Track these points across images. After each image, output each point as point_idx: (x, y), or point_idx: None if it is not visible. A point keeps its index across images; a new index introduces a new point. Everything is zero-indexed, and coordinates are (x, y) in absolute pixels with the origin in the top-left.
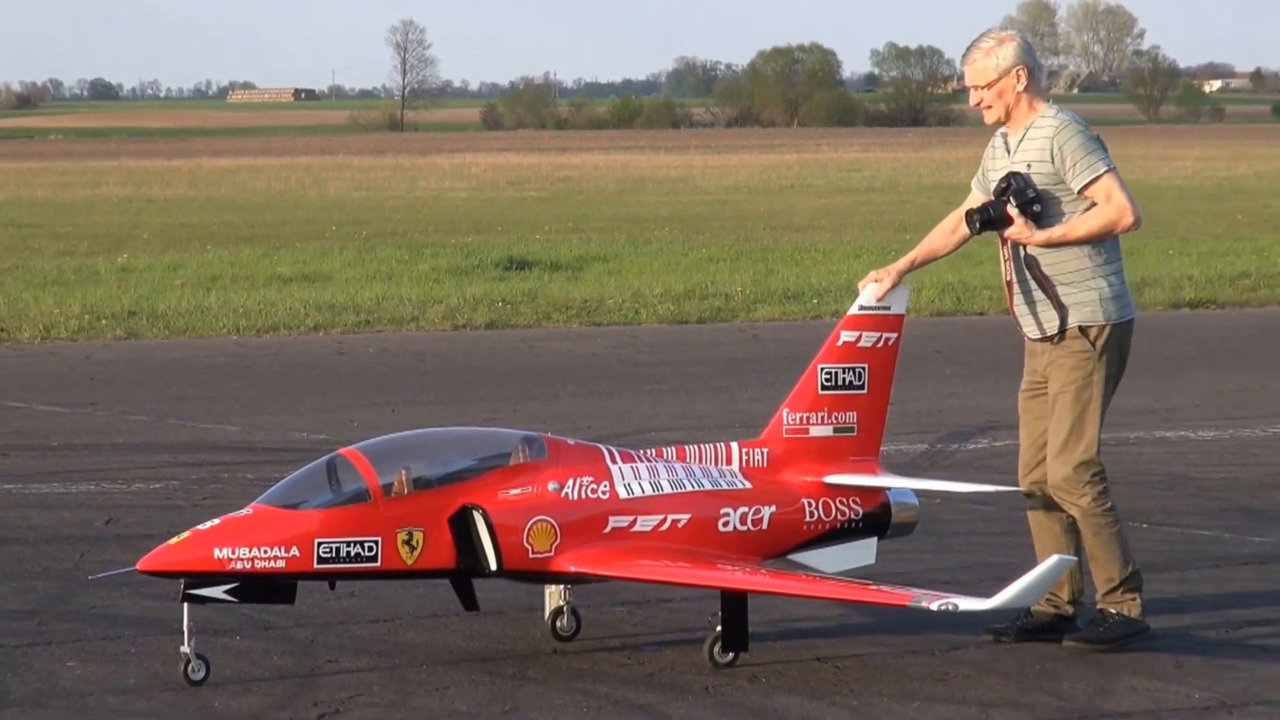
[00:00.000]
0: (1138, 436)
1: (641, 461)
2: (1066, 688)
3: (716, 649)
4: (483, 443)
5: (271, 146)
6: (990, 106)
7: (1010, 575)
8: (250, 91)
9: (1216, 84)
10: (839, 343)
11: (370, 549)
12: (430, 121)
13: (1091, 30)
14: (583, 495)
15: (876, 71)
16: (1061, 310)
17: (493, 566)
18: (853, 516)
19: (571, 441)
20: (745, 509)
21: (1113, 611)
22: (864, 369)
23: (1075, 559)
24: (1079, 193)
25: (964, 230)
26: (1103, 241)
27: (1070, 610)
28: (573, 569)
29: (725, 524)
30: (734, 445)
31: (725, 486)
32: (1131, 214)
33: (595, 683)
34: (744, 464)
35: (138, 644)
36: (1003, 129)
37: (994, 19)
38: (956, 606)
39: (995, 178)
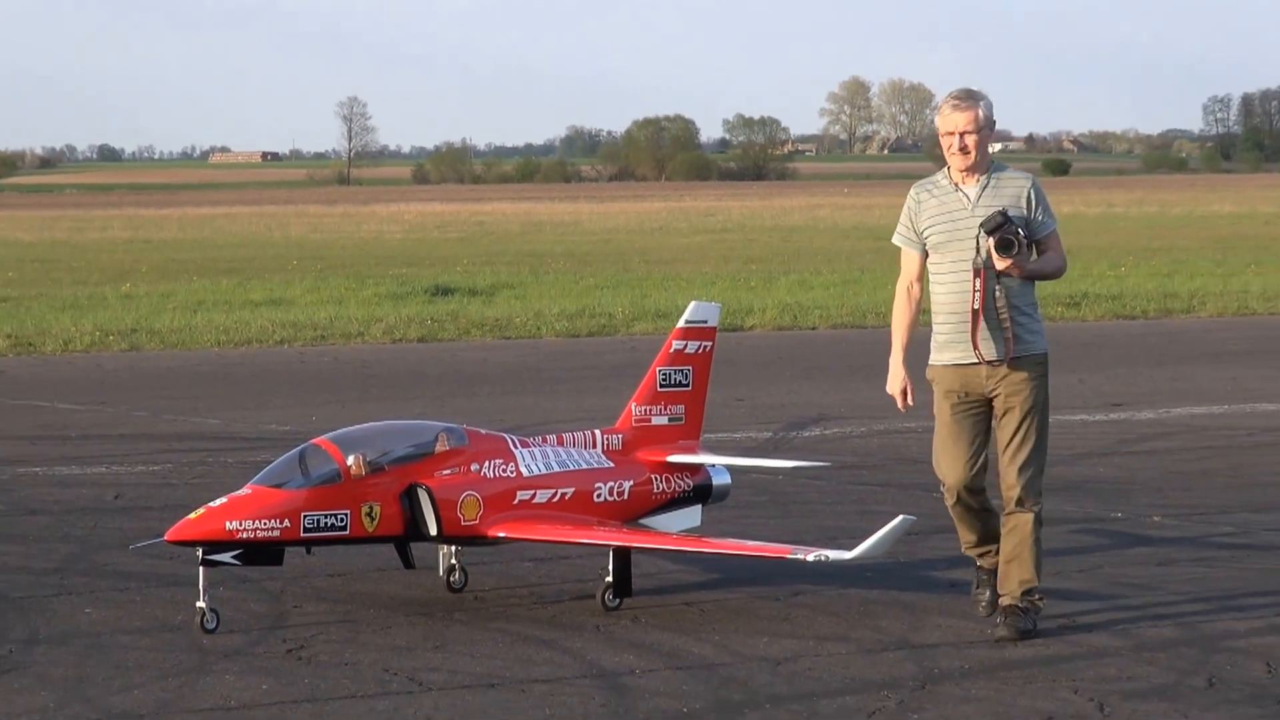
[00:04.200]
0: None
1: (535, 446)
2: (885, 624)
3: (606, 595)
4: (420, 432)
5: (244, 198)
6: (970, 152)
7: (843, 536)
8: (227, 154)
9: (998, 146)
10: (670, 350)
11: (342, 520)
12: (371, 177)
13: (898, 103)
14: (497, 474)
15: (727, 136)
16: (1020, 339)
17: (434, 532)
18: (685, 488)
19: (484, 431)
20: (612, 483)
21: (1030, 608)
22: (689, 370)
23: (915, 518)
24: (1039, 238)
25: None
26: (1033, 286)
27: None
28: (500, 534)
29: (598, 495)
30: (597, 433)
31: (596, 465)
32: (1066, 264)
33: (508, 623)
34: (605, 447)
35: (141, 594)
36: (936, 181)
37: (822, 95)
38: (827, 557)
39: (960, 225)
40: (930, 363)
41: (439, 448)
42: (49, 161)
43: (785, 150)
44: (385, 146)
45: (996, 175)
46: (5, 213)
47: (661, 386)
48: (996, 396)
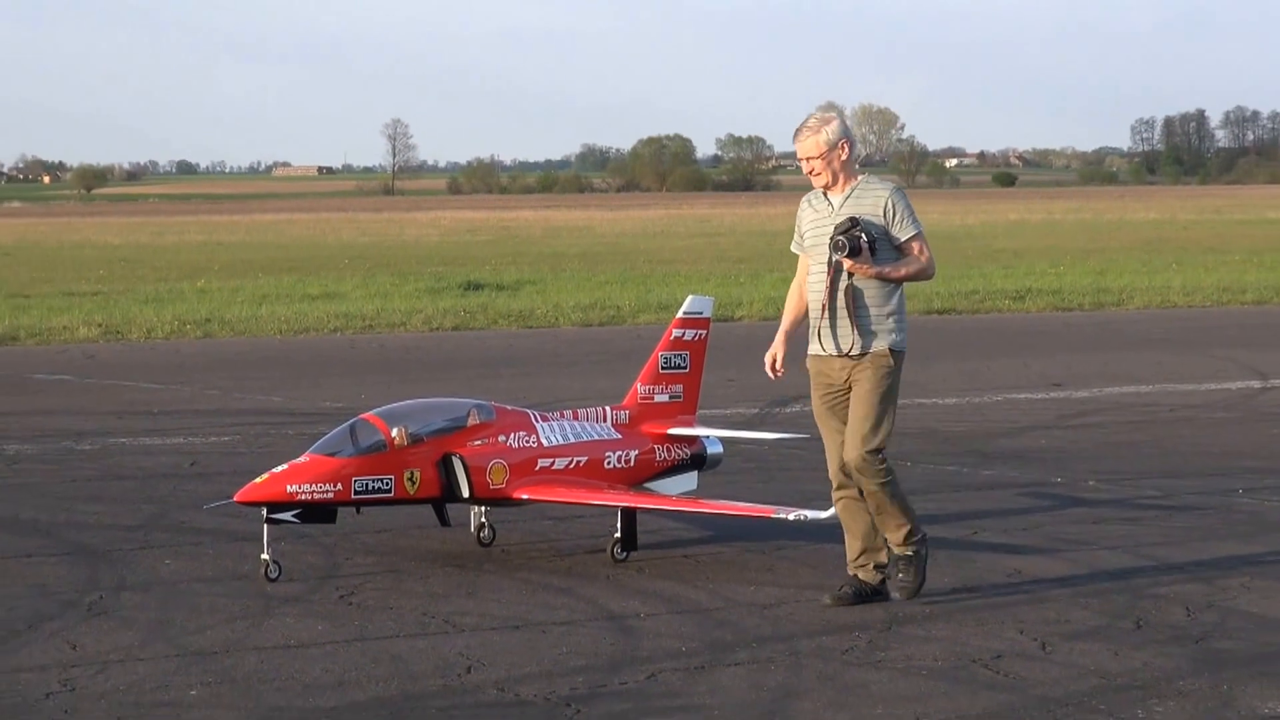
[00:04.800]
0: (903, 402)
1: (554, 420)
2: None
3: (616, 549)
4: (454, 408)
5: (302, 206)
6: (820, 174)
7: (819, 499)
8: (288, 168)
9: (954, 161)
10: (671, 337)
11: (387, 484)
12: (411, 188)
13: (868, 124)
14: (521, 444)
15: (720, 153)
16: (865, 334)
17: (466, 495)
18: (683, 457)
19: (509, 407)
20: (620, 452)
21: (910, 554)
22: (687, 355)
23: None
24: (900, 244)
25: (810, 293)
26: (900, 288)
27: (888, 574)
28: (524, 496)
29: (608, 463)
30: (606, 408)
31: (606, 437)
32: (933, 268)
33: (530, 573)
34: (614, 421)
35: (214, 548)
36: (819, 192)
37: (799, 116)
38: (806, 517)
39: (823, 230)
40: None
41: (470, 421)
42: (134, 175)
43: (770, 165)
44: (424, 162)
45: (863, 186)
46: (97, 219)
47: (663, 369)
48: (851, 386)
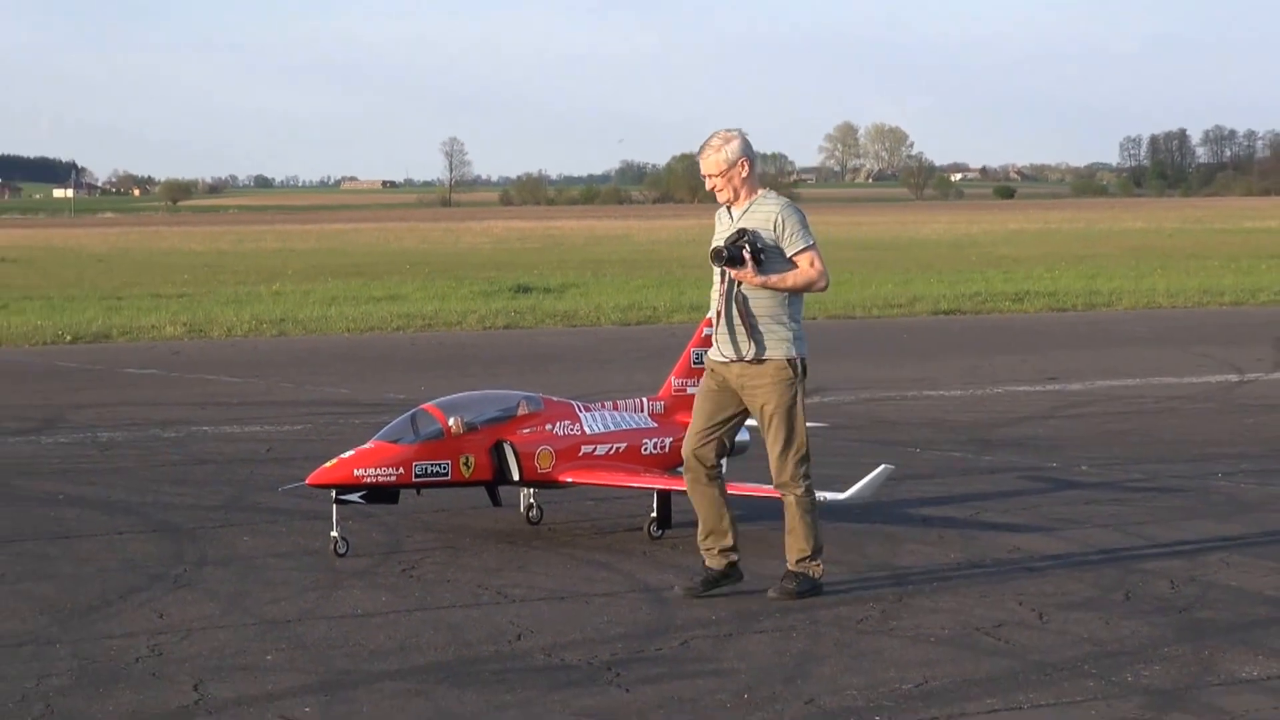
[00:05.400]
0: (912, 395)
1: (596, 410)
2: (871, 551)
3: (652, 527)
4: (505, 399)
5: (368, 217)
6: (722, 190)
7: (837, 482)
8: (355, 182)
9: (959, 175)
10: (702, 335)
11: (444, 468)
12: (467, 200)
13: (880, 142)
14: (566, 432)
15: None
16: (757, 342)
17: (516, 478)
18: None
19: (556, 399)
20: (656, 439)
21: (802, 574)
22: None
23: (894, 467)
24: (791, 256)
25: (711, 302)
26: (796, 299)
27: (737, 556)
28: (569, 480)
29: (645, 449)
30: (644, 399)
31: (643, 426)
32: (825, 279)
33: (574, 549)
34: (650, 411)
35: (288, 526)
36: (725, 208)
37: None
38: (825, 498)
39: (725, 236)
40: None
41: (520, 411)
42: (216, 188)
43: (791, 179)
44: (478, 176)
45: (759, 202)
46: (182, 229)
47: (695, 363)
48: (744, 393)
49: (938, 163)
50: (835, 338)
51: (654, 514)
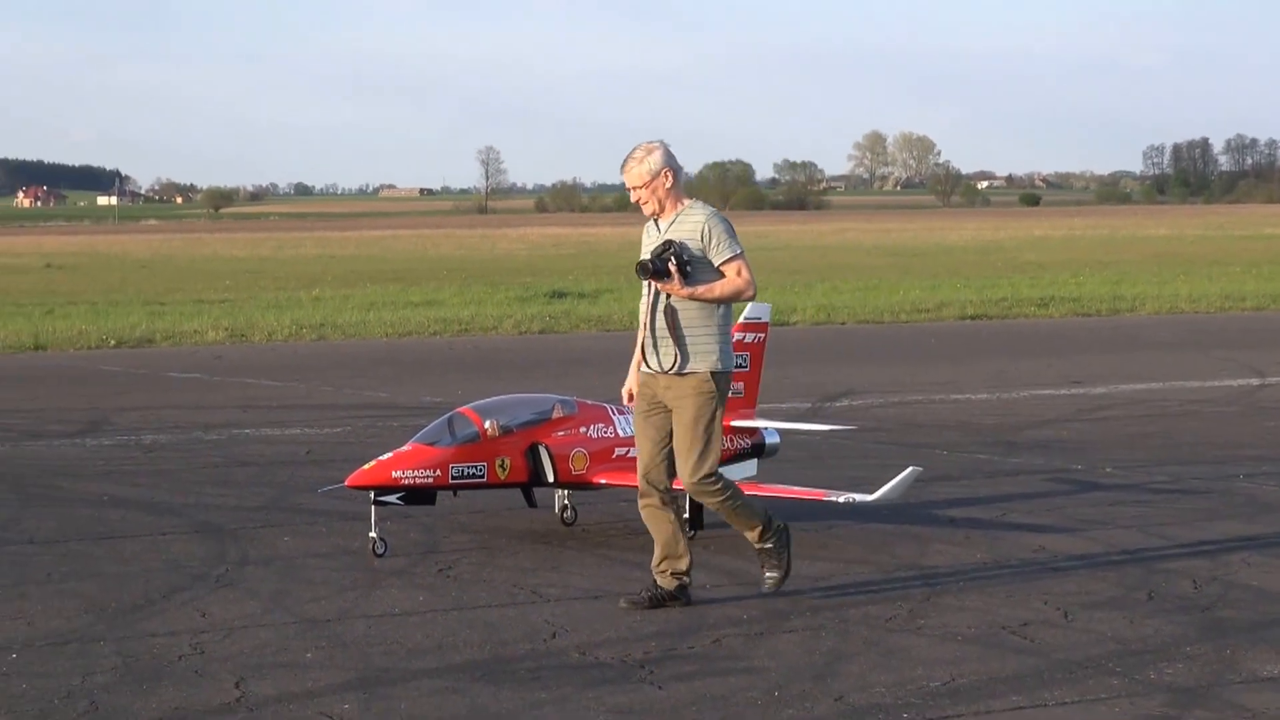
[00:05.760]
0: (939, 398)
1: (628, 414)
2: (899, 551)
3: (684, 528)
4: (541, 403)
5: (406, 224)
6: (647, 201)
7: (866, 484)
8: (393, 189)
9: (985, 183)
10: (733, 340)
11: (480, 470)
12: (502, 207)
13: (909, 150)
14: (600, 435)
15: (776, 176)
16: (684, 353)
17: (551, 480)
18: (745, 446)
19: (590, 402)
20: None
21: (769, 547)
22: (747, 356)
23: (922, 469)
24: (719, 266)
25: (640, 314)
26: (725, 309)
27: (689, 580)
28: (602, 481)
29: None
30: None
31: None
32: (752, 288)
33: (607, 549)
34: None
35: (327, 526)
36: (653, 220)
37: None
38: (854, 499)
39: (647, 251)
40: None
41: (555, 414)
42: (257, 196)
43: (821, 187)
44: (514, 184)
45: (685, 212)
46: (224, 235)
47: None
48: (669, 403)
49: (964, 171)
50: (863, 342)
51: (686, 515)
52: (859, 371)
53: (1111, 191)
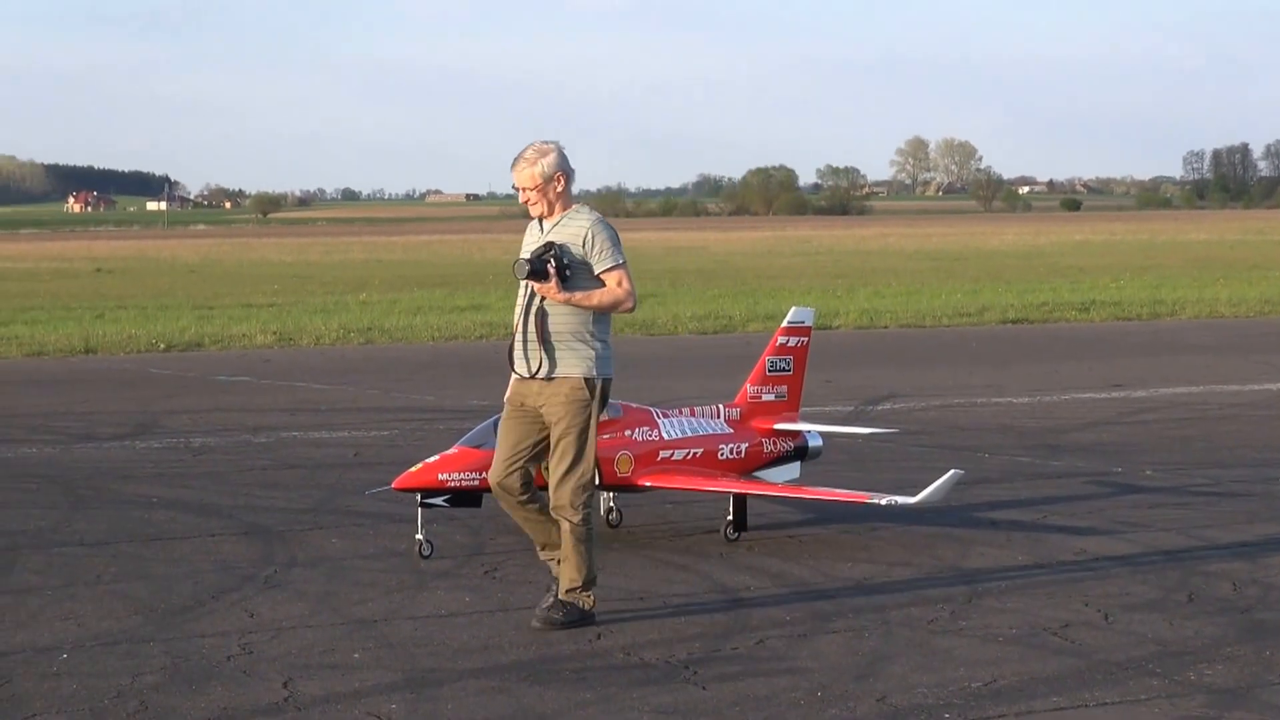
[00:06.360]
0: (981, 401)
1: (674, 416)
2: (941, 553)
3: (728, 530)
4: None
5: (452, 229)
6: (536, 204)
7: (908, 486)
8: (439, 195)
9: (1026, 188)
10: (776, 343)
11: None
12: None
13: (950, 156)
14: (645, 438)
15: (819, 181)
16: (551, 359)
17: (596, 482)
18: (788, 449)
19: (634, 405)
20: (732, 445)
21: (571, 603)
22: (791, 359)
23: (964, 472)
24: (599, 274)
25: (515, 316)
26: (602, 318)
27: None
28: (648, 484)
29: (721, 454)
30: (720, 406)
31: (719, 431)
32: (632, 300)
33: (653, 551)
34: (726, 418)
35: (374, 529)
36: (537, 221)
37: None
38: (897, 502)
39: (528, 252)
40: None
41: (600, 417)
42: (304, 201)
43: (863, 192)
44: None
45: (570, 216)
46: (272, 240)
47: (769, 371)
48: (542, 410)
49: (1006, 176)
50: (906, 346)
51: (730, 517)
52: (901, 375)
53: (1152, 197)
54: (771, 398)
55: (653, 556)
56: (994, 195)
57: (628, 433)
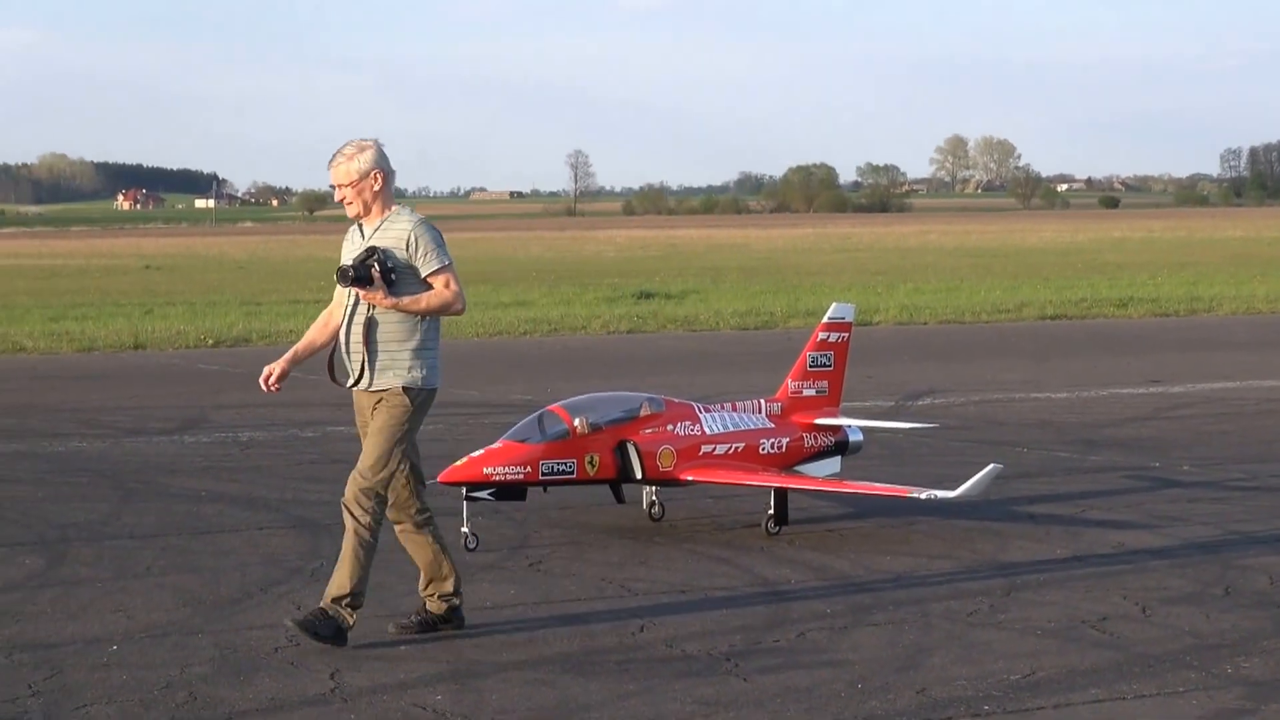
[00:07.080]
0: (1020, 396)
1: (716, 411)
2: (980, 547)
3: (769, 524)
4: (629, 401)
5: (496, 225)
6: (352, 203)
7: (948, 481)
8: (484, 192)
9: (1064, 186)
10: (817, 339)
11: (570, 466)
12: (591, 210)
13: (989, 154)
14: (687, 433)
15: (859, 179)
16: (372, 369)
17: (639, 476)
18: (828, 444)
19: (676, 400)
20: (773, 439)
21: (331, 614)
22: (831, 355)
23: (1003, 466)
24: (426, 277)
25: (335, 321)
26: (433, 323)
27: (458, 601)
28: (689, 478)
29: (763, 449)
30: (761, 401)
31: (760, 426)
32: (461, 302)
33: (695, 545)
34: (768, 413)
35: None
36: (358, 224)
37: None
38: (936, 496)
39: (354, 255)
40: None
41: (643, 412)
42: None
43: (903, 190)
44: (602, 187)
45: (392, 218)
46: (318, 237)
47: (810, 367)
48: (371, 418)
49: (1044, 174)
50: (945, 341)
51: (771, 511)
52: (941, 370)
53: (1189, 194)
54: (812, 393)
55: (695, 550)
56: (1032, 193)
57: (670, 427)
